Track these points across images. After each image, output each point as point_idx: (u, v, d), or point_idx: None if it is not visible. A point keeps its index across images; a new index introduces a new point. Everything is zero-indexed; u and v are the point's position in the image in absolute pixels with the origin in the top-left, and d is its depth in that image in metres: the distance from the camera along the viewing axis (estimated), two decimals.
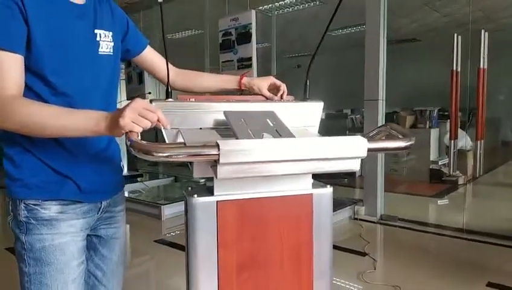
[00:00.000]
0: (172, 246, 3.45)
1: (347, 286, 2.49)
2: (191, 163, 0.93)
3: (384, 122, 4.14)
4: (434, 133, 6.10)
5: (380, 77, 3.88)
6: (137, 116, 0.85)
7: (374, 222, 3.95)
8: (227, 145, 0.80)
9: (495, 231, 3.52)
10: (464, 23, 4.23)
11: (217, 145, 0.79)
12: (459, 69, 3.50)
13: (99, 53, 1.10)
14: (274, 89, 1.29)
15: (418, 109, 6.18)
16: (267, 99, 1.28)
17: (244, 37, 4.70)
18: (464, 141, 5.86)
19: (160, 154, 0.78)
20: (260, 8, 5.91)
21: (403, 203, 4.69)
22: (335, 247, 1.10)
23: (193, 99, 1.09)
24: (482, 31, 3.36)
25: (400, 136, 0.93)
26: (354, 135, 1.09)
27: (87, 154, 1.09)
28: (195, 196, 0.95)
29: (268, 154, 0.82)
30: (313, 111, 1.20)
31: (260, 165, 0.84)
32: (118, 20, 1.19)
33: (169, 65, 1.21)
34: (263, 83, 1.29)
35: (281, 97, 1.28)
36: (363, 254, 3.10)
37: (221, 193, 0.96)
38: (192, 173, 0.91)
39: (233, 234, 0.98)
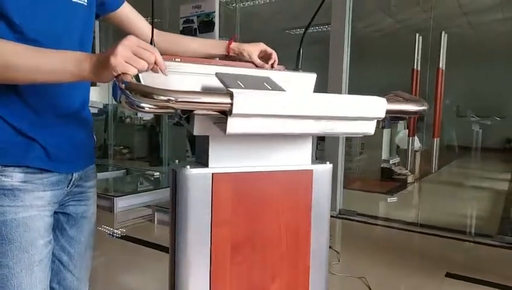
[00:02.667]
0: (127, 239, 3.25)
1: None
2: (188, 120, 0.80)
3: None
4: (386, 133, 6.31)
5: (344, 73, 3.91)
6: (132, 55, 0.71)
7: (333, 217, 3.97)
8: (242, 94, 0.69)
9: (443, 225, 3.68)
10: (416, 30, 4.44)
11: (230, 94, 0.68)
12: (418, 68, 3.62)
13: (72, 0, 0.94)
14: (265, 57, 1.20)
15: None
16: (257, 67, 1.19)
17: (206, 25, 4.55)
18: (414, 142, 6.11)
19: (162, 97, 0.66)
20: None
21: (358, 199, 4.79)
22: None
23: (178, 60, 0.96)
24: (443, 33, 3.50)
25: (415, 100, 0.87)
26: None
27: (55, 114, 0.92)
28: (188, 167, 0.83)
29: (286, 108, 0.73)
30: (306, 82, 1.12)
31: (274, 120, 0.74)
32: None
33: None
34: (254, 49, 1.19)
35: (272, 66, 1.19)
36: None
37: (217, 166, 0.86)
38: (192, 130, 0.79)
39: (229, 211, 0.88)
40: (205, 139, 0.86)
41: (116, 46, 0.71)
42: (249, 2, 6.31)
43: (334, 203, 4.08)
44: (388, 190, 5.41)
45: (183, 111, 0.79)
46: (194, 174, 0.84)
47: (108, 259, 2.87)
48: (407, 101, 0.86)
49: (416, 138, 6.27)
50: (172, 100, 0.66)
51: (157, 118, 7.76)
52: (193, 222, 0.85)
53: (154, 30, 1.23)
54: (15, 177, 0.86)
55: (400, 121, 6.20)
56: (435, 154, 3.56)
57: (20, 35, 0.83)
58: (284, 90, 0.94)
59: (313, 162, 0.97)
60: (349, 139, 6.34)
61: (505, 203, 4.72)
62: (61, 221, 1.03)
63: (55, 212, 0.98)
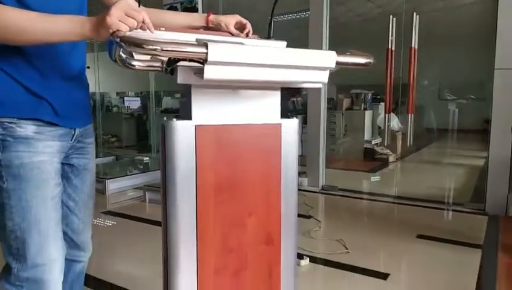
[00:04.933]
0: (121, 216, 3.41)
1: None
2: (172, 71, 0.97)
3: (326, 101, 4.39)
4: (368, 115, 6.54)
5: None
6: (123, 15, 0.87)
7: (316, 192, 4.18)
8: (216, 45, 0.86)
9: (420, 197, 3.92)
10: (395, 14, 4.62)
11: (205, 45, 0.85)
12: (393, 48, 3.81)
13: None
14: (240, 27, 1.36)
15: (354, 92, 6.57)
16: (233, 36, 1.35)
17: (190, 11, 4.68)
18: (395, 122, 6.35)
19: (151, 46, 0.82)
20: None
21: (341, 177, 5.00)
22: None
23: (163, 29, 1.12)
24: (414, 14, 3.69)
25: (362, 55, 1.05)
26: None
27: (60, 77, 1.08)
28: (174, 120, 0.99)
29: (253, 57, 0.90)
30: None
31: (243, 69, 0.91)
32: None
33: None
34: (230, 20, 1.35)
35: (247, 35, 1.35)
36: (308, 217, 3.29)
37: (199, 119, 1.02)
38: (176, 80, 0.95)
39: (211, 158, 1.03)
40: (188, 97, 1.02)
41: (111, 8, 0.87)
42: None
43: (316, 180, 4.29)
44: (370, 169, 5.65)
45: (168, 64, 0.96)
46: (179, 126, 0.99)
47: (104, 232, 3.02)
48: (356, 55, 1.04)
49: (396, 118, 6.53)
50: (158, 49, 0.82)
51: (145, 106, 7.86)
52: (180, 167, 1.01)
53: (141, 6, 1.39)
54: (29, 128, 1.03)
55: (381, 103, 6.42)
56: (409, 129, 3.77)
57: (24, 6, 0.98)
58: None
59: (281, 117, 1.14)
60: (333, 122, 6.55)
61: (479, 177, 5.00)
62: (66, 171, 1.19)
63: (62, 164, 1.15)
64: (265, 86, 1.08)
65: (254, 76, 0.94)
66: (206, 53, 0.85)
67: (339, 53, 0.99)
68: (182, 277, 1.04)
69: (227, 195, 1.08)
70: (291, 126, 1.16)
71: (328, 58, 0.98)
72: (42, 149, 1.05)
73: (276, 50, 0.95)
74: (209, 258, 1.07)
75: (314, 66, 0.98)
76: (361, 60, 1.05)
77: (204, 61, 0.86)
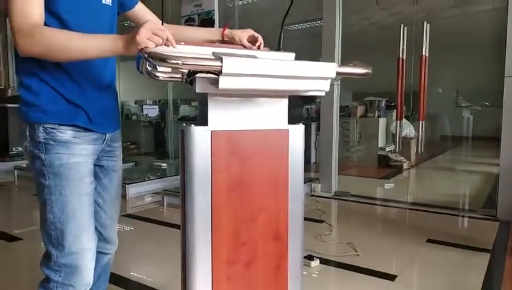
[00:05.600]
0: (140, 219, 3.56)
1: (308, 245, 2.74)
2: (192, 82, 1.10)
3: (338, 108, 4.48)
4: (382, 122, 6.58)
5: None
6: (150, 34, 1.01)
7: (329, 198, 4.26)
8: (230, 59, 0.99)
9: (433, 203, 3.96)
10: (409, 22, 4.70)
11: (220, 58, 0.98)
12: (404, 57, 3.89)
13: (102, 2, 1.25)
14: (252, 40, 1.49)
15: (367, 99, 6.64)
16: (246, 48, 1.48)
17: (207, 22, 4.85)
18: (408, 130, 6.38)
19: (174, 61, 0.95)
20: None
21: (354, 183, 5.06)
22: None
23: (183, 43, 1.25)
24: (425, 23, 3.77)
25: (361, 65, 1.16)
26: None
27: (94, 88, 1.24)
28: (193, 125, 1.12)
29: (262, 69, 1.02)
30: (287, 59, 1.41)
31: (254, 79, 1.03)
32: None
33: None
34: (243, 34, 1.48)
35: (258, 48, 1.48)
36: (320, 221, 3.38)
37: (215, 125, 1.14)
38: (195, 89, 1.09)
39: (225, 159, 1.16)
40: (205, 105, 1.14)
41: (139, 28, 1.01)
42: (248, 0, 6.60)
43: (329, 186, 4.37)
44: (384, 176, 5.69)
45: (188, 75, 1.10)
46: (197, 131, 1.12)
47: (125, 234, 3.17)
48: (355, 65, 1.15)
49: (410, 125, 6.56)
50: (180, 63, 0.96)
51: (163, 114, 8.08)
52: (198, 168, 1.14)
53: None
54: (67, 133, 1.18)
55: (395, 110, 6.47)
56: (420, 136, 3.83)
57: (66, 28, 1.14)
58: None
59: (289, 123, 1.26)
60: (347, 129, 6.63)
61: (493, 183, 4.99)
62: (97, 172, 1.34)
63: (93, 165, 1.29)
64: (274, 94, 1.20)
65: (263, 86, 1.06)
66: (221, 66, 0.98)
67: (339, 64, 1.11)
68: (198, 268, 1.16)
69: (239, 194, 1.20)
70: (297, 132, 1.28)
71: (329, 69, 1.10)
72: (79, 151, 1.19)
73: (282, 63, 1.07)
74: (222, 250, 1.19)
75: (316, 76, 1.10)
76: (361, 71, 1.16)
77: (219, 73, 0.99)
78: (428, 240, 2.89)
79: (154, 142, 8.04)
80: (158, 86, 7.85)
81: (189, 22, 5.00)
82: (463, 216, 3.63)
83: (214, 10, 4.78)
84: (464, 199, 4.54)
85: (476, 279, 2.21)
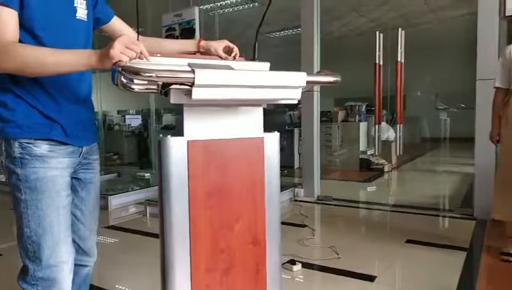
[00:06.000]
0: (123, 231, 3.53)
1: (290, 249, 2.77)
2: (166, 93, 1.13)
3: (319, 115, 4.56)
4: (363, 126, 6.70)
5: (315, 71, 4.28)
6: (124, 48, 1.03)
7: (311, 202, 4.31)
8: (202, 71, 1.02)
9: (413, 204, 4.05)
10: (387, 28, 4.82)
11: (193, 71, 1.01)
12: (381, 63, 3.99)
13: (77, 18, 1.27)
14: (228, 51, 1.52)
15: (348, 104, 6.75)
16: (222, 59, 1.51)
17: (187, 32, 4.87)
18: (389, 133, 6.51)
19: (147, 74, 0.98)
20: (202, 7, 6.13)
21: (337, 187, 5.13)
22: None
23: (159, 55, 1.28)
24: (399, 30, 3.88)
25: (330, 74, 1.21)
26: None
27: (70, 102, 1.25)
28: (169, 136, 1.15)
29: (234, 79, 1.06)
30: (261, 69, 1.44)
31: (226, 90, 1.06)
32: None
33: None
34: (219, 45, 1.51)
35: (234, 58, 1.51)
36: (303, 226, 3.42)
37: (191, 135, 1.17)
38: (170, 100, 1.11)
39: (201, 168, 1.18)
40: (181, 116, 1.17)
41: (114, 42, 1.03)
42: (228, 9, 6.67)
43: (312, 190, 4.42)
44: (365, 179, 5.78)
45: (163, 87, 1.12)
46: (173, 142, 1.14)
47: (107, 246, 3.15)
48: (324, 74, 1.20)
49: (391, 129, 6.69)
50: (154, 76, 0.98)
51: (145, 124, 8.05)
52: (174, 178, 1.16)
53: (139, 36, 1.56)
54: (43, 147, 1.19)
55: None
56: (398, 139, 3.92)
57: (40, 44, 1.15)
58: None
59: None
60: (329, 134, 6.72)
61: (470, 183, 5.12)
62: (74, 185, 1.34)
63: (71, 178, 1.30)
64: (247, 103, 1.23)
65: (236, 95, 1.09)
66: (194, 77, 1.01)
67: (309, 74, 1.15)
68: (177, 276, 1.18)
69: (216, 202, 1.22)
70: (272, 139, 1.31)
71: (299, 79, 1.14)
72: (55, 165, 1.20)
73: (253, 73, 1.11)
74: (201, 258, 1.21)
75: (287, 85, 1.14)
76: (330, 79, 1.20)
77: (192, 84, 1.02)
78: (408, 241, 2.95)
79: (138, 152, 7.99)
80: (141, 96, 7.83)
81: (170, 31, 5.01)
82: (442, 216, 3.72)
83: (194, 20, 4.81)
84: (443, 200, 4.65)
85: (453, 277, 2.28)
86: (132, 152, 7.99)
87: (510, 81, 2.51)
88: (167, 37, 4.96)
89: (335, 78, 1.20)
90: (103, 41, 1.23)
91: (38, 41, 1.15)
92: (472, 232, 3.09)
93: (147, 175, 5.69)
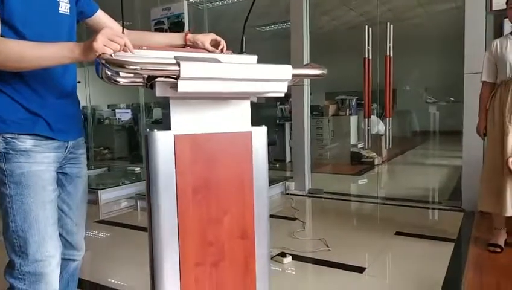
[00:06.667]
0: (113, 225, 3.52)
1: (281, 242, 2.79)
2: (152, 87, 1.12)
3: (309, 109, 4.56)
4: (353, 120, 6.73)
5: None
6: (108, 40, 1.02)
7: (302, 195, 4.34)
8: (187, 63, 1.01)
9: (402, 197, 4.09)
10: (376, 22, 4.83)
11: (178, 63, 1.01)
12: (370, 57, 4.00)
13: (59, 12, 1.25)
14: (215, 44, 1.51)
15: (339, 98, 6.77)
16: (209, 52, 1.50)
17: (176, 26, 4.83)
18: (379, 126, 6.55)
19: (132, 67, 0.97)
20: (191, 0, 6.08)
21: (328, 180, 5.16)
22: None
23: (145, 48, 1.27)
24: (388, 24, 3.89)
25: (316, 67, 1.21)
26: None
27: (54, 96, 1.23)
28: (155, 130, 1.14)
29: (220, 72, 1.05)
30: (249, 62, 1.44)
31: (212, 82, 1.06)
32: None
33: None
34: (206, 38, 1.50)
35: (221, 51, 1.51)
36: (294, 219, 3.44)
37: (177, 129, 1.16)
38: (155, 93, 1.10)
39: (188, 163, 1.17)
40: (168, 109, 1.16)
41: (97, 34, 1.02)
42: (217, 2, 6.62)
43: (303, 184, 4.44)
44: (356, 172, 5.82)
45: (148, 80, 1.11)
46: (160, 136, 1.14)
47: (97, 240, 3.14)
48: (311, 67, 1.20)
49: (381, 122, 6.73)
50: (138, 68, 0.98)
51: (135, 118, 7.99)
52: (162, 172, 1.15)
53: (125, 30, 1.55)
54: (28, 142, 1.18)
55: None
56: (387, 133, 3.95)
57: (22, 39, 1.13)
58: None
59: (252, 126, 1.28)
60: (320, 128, 6.74)
61: (459, 176, 5.18)
62: (61, 179, 1.33)
63: (57, 173, 1.29)
64: (234, 96, 1.23)
65: (222, 88, 1.09)
66: (179, 70, 1.00)
67: (295, 67, 1.15)
68: (166, 270, 1.18)
69: (204, 195, 1.21)
70: (260, 133, 1.30)
71: (285, 72, 1.14)
72: (40, 160, 1.19)
73: (239, 66, 1.10)
74: (189, 252, 1.21)
75: (273, 78, 1.14)
76: (316, 72, 1.21)
77: (177, 77, 1.02)
78: (397, 233, 2.99)
79: (128, 146, 7.94)
80: (131, 90, 7.77)
81: (158, 25, 4.96)
82: (430, 208, 3.77)
83: (183, 13, 4.77)
84: (432, 192, 4.70)
85: (440, 268, 2.31)
86: (123, 146, 7.94)
87: (497, 75, 2.54)
88: (156, 31, 4.91)
89: (321, 71, 1.21)
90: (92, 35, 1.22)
91: (20, 37, 1.13)
92: (460, 224, 3.14)
93: (138, 169, 5.66)
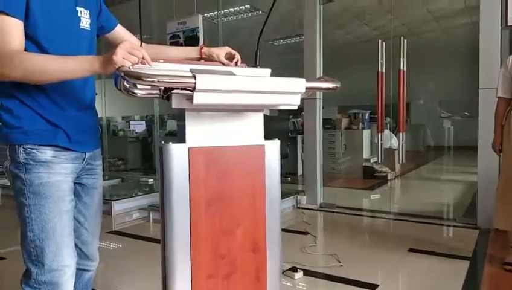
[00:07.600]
0: (125, 236, 3.54)
1: (292, 257, 2.76)
2: (168, 98, 1.14)
3: (322, 122, 4.56)
4: (366, 133, 6.69)
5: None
6: (126, 53, 1.05)
7: (314, 209, 4.30)
8: (202, 76, 1.03)
9: (416, 213, 4.03)
10: (390, 37, 4.85)
11: (194, 76, 1.03)
12: (383, 71, 4.00)
13: (80, 27, 1.30)
14: (230, 57, 1.54)
15: (352, 112, 6.75)
16: (224, 65, 1.52)
17: (191, 39, 4.92)
18: (393, 141, 6.50)
19: (149, 79, 1.00)
20: (206, 15, 6.19)
21: (340, 195, 5.12)
22: None
23: (162, 61, 1.30)
24: (402, 38, 3.89)
25: (329, 80, 1.22)
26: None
27: (74, 108, 1.27)
28: (170, 143, 1.16)
29: (234, 85, 1.07)
30: (263, 75, 1.46)
31: (227, 95, 1.08)
32: (93, 1, 1.39)
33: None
34: (221, 51, 1.53)
35: (236, 64, 1.53)
36: (305, 233, 3.41)
37: (192, 141, 1.18)
38: (171, 105, 1.13)
39: (202, 175, 1.19)
40: (183, 122, 1.18)
41: (116, 48, 1.05)
42: (232, 17, 6.72)
43: (315, 198, 4.41)
44: (369, 187, 5.76)
45: (165, 92, 1.14)
46: (175, 148, 1.15)
47: (110, 251, 3.16)
48: (324, 80, 1.21)
49: (394, 137, 6.68)
50: (155, 81, 1.00)
51: (149, 130, 8.08)
52: (176, 184, 1.16)
53: (143, 43, 1.58)
54: (48, 153, 1.21)
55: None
56: (401, 147, 3.92)
57: (45, 53, 1.17)
58: None
59: (265, 139, 1.29)
60: (333, 141, 6.71)
61: (474, 192, 5.09)
62: (78, 190, 1.36)
63: (74, 183, 1.31)
64: (248, 108, 1.24)
65: (236, 100, 1.11)
66: (195, 82, 1.03)
67: (308, 80, 1.16)
68: (178, 281, 1.18)
69: (217, 208, 1.22)
70: (273, 147, 1.31)
71: (299, 84, 1.15)
72: (59, 170, 1.22)
73: (253, 79, 1.12)
74: (202, 264, 1.21)
75: (287, 91, 1.15)
76: (329, 85, 1.21)
77: (193, 89, 1.04)
78: (410, 249, 2.94)
79: (141, 157, 8.01)
80: (145, 102, 7.87)
81: (174, 39, 5.06)
82: (445, 225, 3.70)
83: (198, 27, 4.86)
84: (446, 208, 4.62)
85: (455, 287, 2.26)
86: (136, 158, 8.02)
87: None
88: (171, 44, 5.01)
89: (334, 85, 1.21)
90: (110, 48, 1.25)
91: (43, 51, 1.17)
92: (475, 242, 3.07)
93: (151, 181, 5.70)
